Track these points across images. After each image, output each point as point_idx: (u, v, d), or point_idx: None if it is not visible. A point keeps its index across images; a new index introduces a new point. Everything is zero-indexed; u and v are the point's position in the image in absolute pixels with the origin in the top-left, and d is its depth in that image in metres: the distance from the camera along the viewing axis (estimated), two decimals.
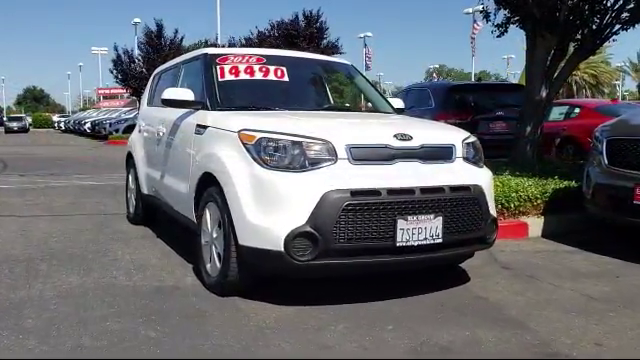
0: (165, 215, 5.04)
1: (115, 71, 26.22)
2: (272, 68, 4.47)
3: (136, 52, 26.68)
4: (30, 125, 46.36)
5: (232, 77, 4.32)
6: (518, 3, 6.90)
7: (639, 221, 4.42)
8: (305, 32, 23.73)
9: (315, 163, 3.23)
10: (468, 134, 3.81)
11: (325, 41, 24.10)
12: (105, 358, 2.69)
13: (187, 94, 4.19)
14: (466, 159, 3.65)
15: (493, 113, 9.05)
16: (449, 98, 9.44)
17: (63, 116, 54.19)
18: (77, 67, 70.87)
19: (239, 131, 3.45)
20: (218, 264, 3.53)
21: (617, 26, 6.88)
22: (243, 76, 4.36)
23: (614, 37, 6.88)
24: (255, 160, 3.29)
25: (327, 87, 5.23)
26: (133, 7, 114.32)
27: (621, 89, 52.24)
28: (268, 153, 3.28)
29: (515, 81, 29.73)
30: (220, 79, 4.26)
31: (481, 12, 7.65)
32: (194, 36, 74.03)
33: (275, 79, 4.45)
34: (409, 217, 3.20)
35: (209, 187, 3.65)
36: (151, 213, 5.58)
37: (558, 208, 5.53)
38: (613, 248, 4.75)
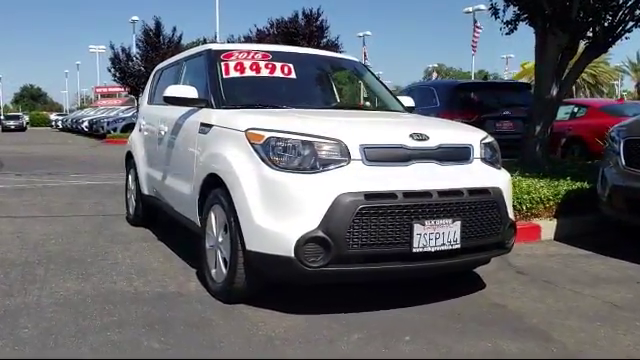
0: (166, 216, 4.87)
1: (113, 69, 26.06)
2: (279, 65, 4.30)
3: (134, 50, 26.51)
4: (27, 124, 46.09)
5: (237, 74, 4.15)
6: None
7: None
8: (305, 31, 23.59)
9: (327, 164, 3.06)
10: (485, 134, 3.65)
11: (325, 40, 23.95)
12: (105, 358, 2.58)
13: (190, 91, 4.02)
14: (484, 160, 3.48)
15: (499, 112, 8.90)
16: (455, 97, 9.28)
17: (61, 115, 53.87)
18: (75, 65, 70.64)
19: (246, 130, 3.28)
20: (224, 270, 3.36)
21: (630, 23, 6.71)
22: (249, 73, 4.19)
23: (627, 35, 6.73)
24: (263, 161, 3.12)
25: (335, 85, 5.06)
26: (131, 6, 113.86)
27: (619, 89, 52.16)
28: (277, 153, 3.10)
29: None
30: (225, 76, 4.09)
31: (489, 9, 7.46)
32: (193, 35, 73.82)
33: (282, 76, 4.28)
34: (426, 222, 3.03)
35: (214, 189, 3.48)
36: (152, 214, 5.42)
37: (571, 210, 5.39)
38: (630, 251, 4.60)
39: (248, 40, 24.56)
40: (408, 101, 4.66)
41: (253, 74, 4.21)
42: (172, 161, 4.51)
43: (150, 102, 5.63)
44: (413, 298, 3.43)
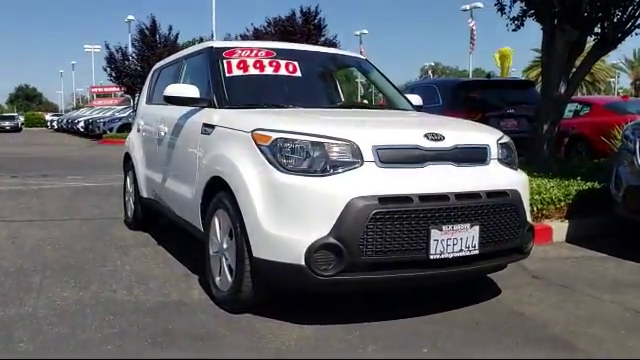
0: (166, 219, 4.70)
1: (109, 69, 25.86)
2: (283, 62, 4.13)
3: (130, 50, 26.30)
4: (22, 124, 45.79)
5: (240, 72, 3.98)
6: None
7: None
8: (302, 29, 23.38)
9: (338, 166, 2.89)
10: (502, 134, 3.49)
11: (323, 38, 23.75)
12: (105, 358, 2.46)
13: (192, 91, 3.85)
14: (500, 161, 3.32)
15: (504, 110, 8.73)
16: (458, 95, 9.11)
17: (56, 115, 53.57)
18: (70, 65, 69.83)
19: (252, 131, 3.11)
20: (229, 278, 3.20)
21: None
22: (252, 71, 4.02)
23: (637, 30, 6.58)
24: (271, 163, 2.95)
25: (340, 82, 4.89)
26: (127, 5, 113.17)
27: (616, 86, 52.14)
28: (285, 155, 2.94)
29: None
30: (227, 74, 3.92)
31: (495, 5, 7.31)
32: (189, 34, 73.46)
33: (287, 74, 4.12)
34: (444, 226, 2.87)
35: (218, 192, 3.31)
36: (151, 217, 5.25)
37: (582, 211, 5.24)
38: None
39: (245, 38, 24.35)
40: (416, 99, 4.50)
41: (257, 72, 4.05)
42: (173, 163, 4.34)
43: (149, 102, 5.45)
44: (426, 306, 3.27)
